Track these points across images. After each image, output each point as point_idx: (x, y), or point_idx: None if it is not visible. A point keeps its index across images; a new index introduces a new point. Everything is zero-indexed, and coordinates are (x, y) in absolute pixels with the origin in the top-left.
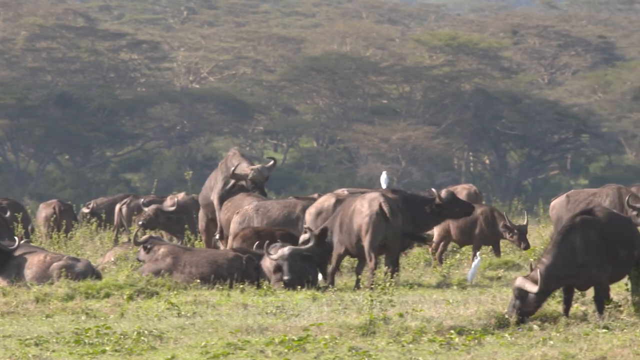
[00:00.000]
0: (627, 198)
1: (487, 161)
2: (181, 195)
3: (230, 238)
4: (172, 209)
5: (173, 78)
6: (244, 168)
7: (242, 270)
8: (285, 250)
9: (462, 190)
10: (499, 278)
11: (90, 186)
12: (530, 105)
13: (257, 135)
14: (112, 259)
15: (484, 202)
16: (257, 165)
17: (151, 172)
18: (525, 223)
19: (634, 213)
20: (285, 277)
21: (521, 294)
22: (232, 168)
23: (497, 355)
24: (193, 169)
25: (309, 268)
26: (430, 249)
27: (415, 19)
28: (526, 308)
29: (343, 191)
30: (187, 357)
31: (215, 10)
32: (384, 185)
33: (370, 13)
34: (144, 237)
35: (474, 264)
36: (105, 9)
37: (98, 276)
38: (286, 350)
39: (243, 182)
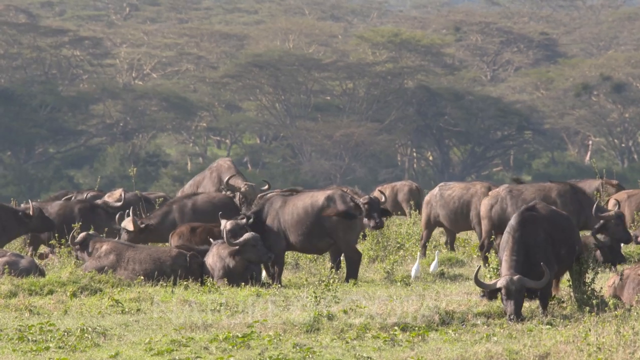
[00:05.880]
0: None
1: (431, 157)
2: (118, 192)
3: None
4: (119, 204)
5: (115, 74)
6: (238, 182)
7: (185, 267)
8: (248, 234)
9: (402, 187)
10: (443, 274)
11: (33, 183)
12: (473, 101)
13: (200, 132)
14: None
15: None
16: (252, 183)
17: (94, 169)
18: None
19: None
20: (270, 254)
21: (522, 291)
22: (227, 178)
23: (441, 351)
24: (136, 165)
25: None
26: None
27: (358, 15)
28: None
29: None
30: (131, 354)
31: (158, 7)
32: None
33: (313, 10)
34: (81, 234)
35: (417, 260)
36: (47, 5)
37: (41, 273)
38: (230, 347)
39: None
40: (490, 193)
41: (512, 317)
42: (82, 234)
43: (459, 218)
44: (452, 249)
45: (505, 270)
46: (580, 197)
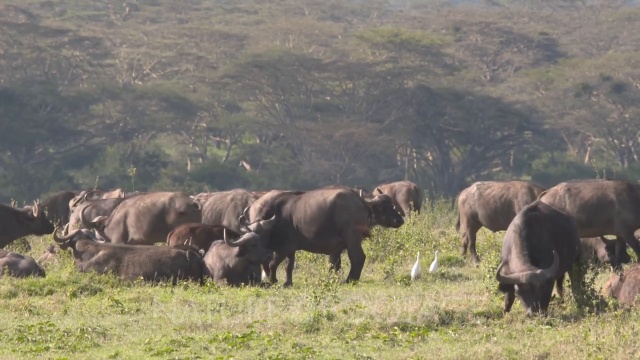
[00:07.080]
0: None
1: (430, 158)
2: (116, 193)
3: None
4: None
5: (115, 75)
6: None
7: (185, 267)
8: (248, 234)
9: (401, 187)
10: (442, 274)
11: (33, 183)
12: (473, 102)
13: (200, 132)
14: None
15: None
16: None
17: (94, 169)
18: None
19: None
20: (269, 253)
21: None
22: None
23: (440, 351)
24: (136, 165)
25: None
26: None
27: (358, 15)
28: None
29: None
30: (130, 354)
31: (158, 7)
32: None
33: (313, 10)
34: (72, 232)
35: (417, 260)
36: (47, 6)
37: (41, 273)
38: (230, 347)
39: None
40: (549, 191)
41: (540, 310)
42: (73, 231)
43: (499, 217)
44: (465, 248)
45: (520, 265)
46: (637, 194)
